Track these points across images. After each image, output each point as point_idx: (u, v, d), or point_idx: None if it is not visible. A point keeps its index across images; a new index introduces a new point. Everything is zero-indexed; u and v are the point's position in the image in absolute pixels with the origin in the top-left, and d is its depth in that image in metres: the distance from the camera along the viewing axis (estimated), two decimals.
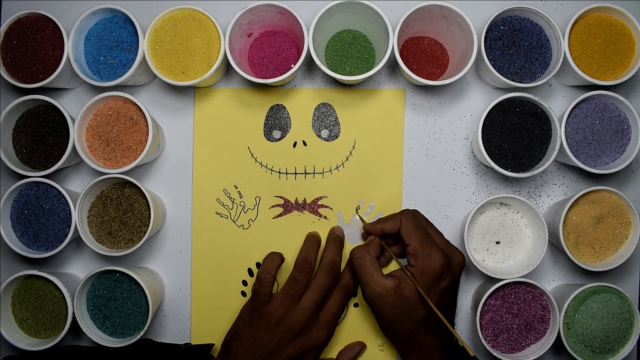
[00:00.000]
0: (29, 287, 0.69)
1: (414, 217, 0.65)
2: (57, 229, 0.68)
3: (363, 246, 0.67)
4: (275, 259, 0.68)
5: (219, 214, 0.72)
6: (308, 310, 0.64)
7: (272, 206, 0.72)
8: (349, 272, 0.68)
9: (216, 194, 0.72)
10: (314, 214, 0.72)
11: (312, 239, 0.70)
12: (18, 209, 0.69)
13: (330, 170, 0.72)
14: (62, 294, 0.67)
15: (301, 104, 0.72)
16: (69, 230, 0.67)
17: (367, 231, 0.69)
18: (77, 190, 0.72)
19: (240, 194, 0.72)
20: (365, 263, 0.64)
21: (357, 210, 0.72)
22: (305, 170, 0.72)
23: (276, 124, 0.72)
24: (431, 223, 0.67)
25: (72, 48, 0.67)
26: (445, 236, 0.67)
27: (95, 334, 0.67)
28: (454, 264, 0.64)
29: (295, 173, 0.72)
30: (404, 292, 0.62)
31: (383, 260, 0.70)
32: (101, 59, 0.68)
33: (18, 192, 0.69)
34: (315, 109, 0.72)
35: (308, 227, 0.72)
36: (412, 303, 0.62)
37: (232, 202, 0.72)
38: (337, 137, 0.72)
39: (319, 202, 0.72)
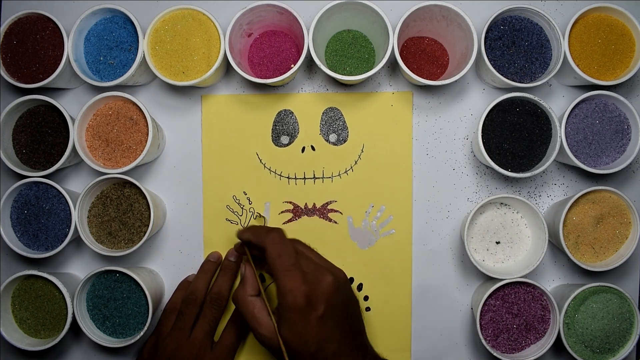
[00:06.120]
0: (28, 287, 0.69)
1: (280, 244, 0.59)
2: (57, 229, 0.68)
3: (241, 288, 0.62)
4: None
5: (229, 220, 0.72)
6: (197, 341, 0.65)
7: (282, 212, 0.72)
8: None
9: (226, 200, 0.72)
10: (323, 218, 0.72)
11: (203, 269, 0.71)
12: (18, 209, 0.69)
13: (339, 175, 0.72)
14: (62, 294, 0.67)
15: (309, 108, 0.72)
16: (69, 230, 0.67)
17: (238, 236, 0.64)
18: (77, 190, 0.72)
19: (249, 200, 0.72)
20: (248, 308, 0.60)
21: (366, 215, 0.71)
22: (314, 175, 0.72)
23: (284, 129, 0.72)
24: (300, 242, 0.63)
25: (72, 48, 0.67)
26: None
27: (95, 334, 0.67)
28: (322, 289, 0.58)
29: (304, 178, 0.72)
30: (283, 334, 0.58)
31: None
32: (101, 59, 0.68)
33: (18, 192, 0.69)
34: (323, 113, 0.72)
35: (318, 232, 0.72)
36: (294, 342, 0.57)
37: (242, 208, 0.72)
38: (345, 141, 0.72)
39: (329, 207, 0.72)
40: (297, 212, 0.72)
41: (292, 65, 0.67)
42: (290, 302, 0.56)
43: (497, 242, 0.70)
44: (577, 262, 0.66)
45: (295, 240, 0.65)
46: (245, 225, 0.72)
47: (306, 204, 0.72)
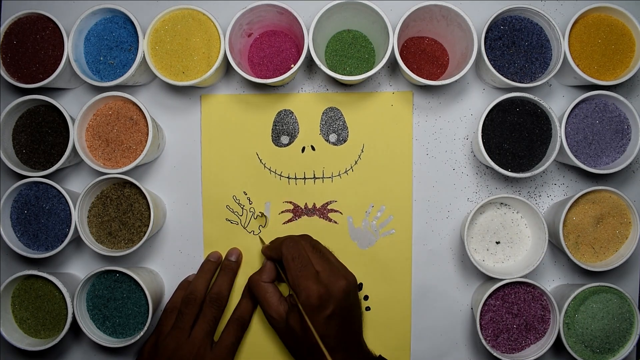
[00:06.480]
0: (29, 287, 0.69)
1: (294, 247, 0.64)
2: (57, 229, 0.68)
3: (258, 273, 0.68)
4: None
5: (229, 220, 0.72)
6: (197, 340, 0.66)
7: (282, 212, 0.72)
8: (245, 303, 0.70)
9: (226, 200, 0.72)
10: (323, 218, 0.72)
11: (203, 269, 0.71)
12: (18, 209, 0.69)
13: (339, 175, 0.72)
14: (62, 294, 0.67)
15: (309, 108, 0.72)
16: (69, 230, 0.67)
17: (264, 255, 0.70)
18: (77, 190, 0.72)
19: (249, 200, 0.72)
20: (260, 290, 0.67)
21: (366, 215, 0.72)
22: (314, 175, 0.72)
23: (284, 129, 0.72)
24: (317, 247, 0.66)
25: (72, 48, 0.67)
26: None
27: (95, 334, 0.67)
28: (334, 292, 0.62)
29: (304, 178, 0.72)
30: (289, 322, 0.64)
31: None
32: (101, 59, 0.68)
33: (18, 192, 0.69)
34: (323, 113, 0.72)
35: (318, 232, 0.71)
36: (298, 332, 0.63)
37: (242, 208, 0.72)
38: (345, 141, 0.72)
39: (329, 207, 0.72)
40: (297, 212, 0.72)
41: (292, 65, 0.67)
42: (303, 300, 0.61)
43: (497, 242, 0.70)
44: (577, 262, 0.66)
45: (316, 240, 0.68)
46: (245, 225, 0.72)
47: (306, 204, 0.72)
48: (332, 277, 0.63)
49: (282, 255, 0.64)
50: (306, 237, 0.68)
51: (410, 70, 0.66)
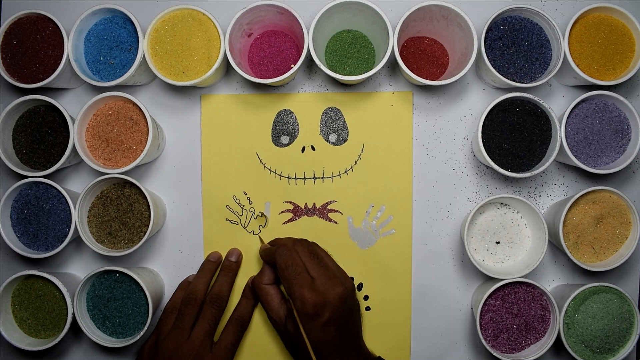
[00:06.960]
0: (29, 287, 0.69)
1: (287, 255, 0.64)
2: (57, 229, 0.68)
3: (258, 275, 0.69)
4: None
5: (229, 220, 0.72)
6: (197, 341, 0.66)
7: (282, 212, 0.72)
8: (245, 303, 0.70)
9: (226, 200, 0.72)
10: (323, 218, 0.72)
11: (203, 269, 0.71)
12: (18, 209, 0.69)
13: (339, 175, 0.72)
14: (62, 294, 0.67)
15: (309, 108, 0.72)
16: (69, 230, 0.67)
17: (260, 256, 0.71)
18: (77, 190, 0.72)
19: (249, 200, 0.72)
20: (261, 293, 0.68)
21: (367, 215, 0.72)
22: (314, 175, 0.72)
23: (284, 129, 0.72)
24: (315, 252, 0.66)
25: (72, 48, 0.67)
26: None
27: (95, 334, 0.67)
28: (330, 299, 0.62)
29: (305, 178, 0.72)
30: (287, 326, 0.65)
31: None
32: (101, 59, 0.68)
33: (18, 192, 0.69)
34: (323, 113, 0.72)
35: (318, 232, 0.72)
36: (295, 337, 0.64)
37: (242, 208, 0.72)
38: (345, 141, 0.72)
39: (329, 207, 0.72)
40: (297, 212, 0.72)
41: (292, 65, 0.67)
42: (299, 308, 0.61)
43: (497, 242, 0.70)
44: (577, 262, 0.66)
45: (314, 244, 0.68)
46: (245, 225, 0.72)
47: (306, 204, 0.72)
48: (328, 283, 0.63)
49: (276, 263, 0.64)
50: (303, 242, 0.67)
51: (410, 70, 0.66)
